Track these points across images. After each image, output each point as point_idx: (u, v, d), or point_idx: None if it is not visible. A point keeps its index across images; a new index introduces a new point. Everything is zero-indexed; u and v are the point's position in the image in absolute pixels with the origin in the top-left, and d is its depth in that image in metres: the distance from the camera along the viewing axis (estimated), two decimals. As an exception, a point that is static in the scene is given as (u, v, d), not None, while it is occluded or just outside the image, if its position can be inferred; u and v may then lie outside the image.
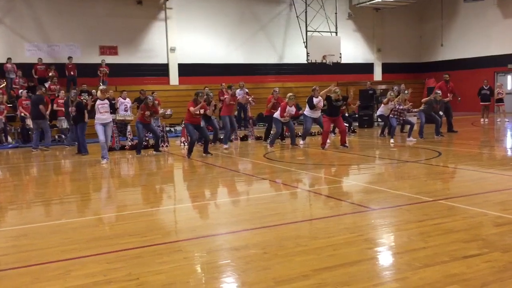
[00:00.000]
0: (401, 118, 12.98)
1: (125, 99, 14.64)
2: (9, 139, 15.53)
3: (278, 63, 23.70)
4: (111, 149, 12.43)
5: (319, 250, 4.27)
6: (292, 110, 12.46)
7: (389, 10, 25.99)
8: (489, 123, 18.57)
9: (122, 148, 13.26)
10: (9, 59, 17.64)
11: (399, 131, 15.06)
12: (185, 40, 21.38)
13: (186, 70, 21.42)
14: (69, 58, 18.75)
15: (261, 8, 23.11)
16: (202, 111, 11.08)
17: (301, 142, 12.92)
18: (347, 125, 14.35)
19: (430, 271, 3.69)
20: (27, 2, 18.78)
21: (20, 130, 15.91)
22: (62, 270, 3.99)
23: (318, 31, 22.28)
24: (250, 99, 15.38)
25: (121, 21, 20.18)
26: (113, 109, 11.98)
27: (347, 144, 11.96)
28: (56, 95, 16.14)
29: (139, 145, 12.17)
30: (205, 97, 11.65)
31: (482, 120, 18.74)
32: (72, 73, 18.61)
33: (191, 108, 10.93)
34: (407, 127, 13.74)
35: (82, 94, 15.12)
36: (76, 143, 13.01)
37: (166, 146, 13.58)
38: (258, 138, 14.85)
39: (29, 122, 14.87)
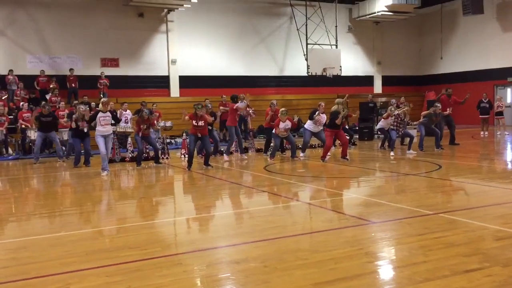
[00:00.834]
0: (400, 130, 12.99)
1: (125, 111, 14.68)
2: (10, 150, 15.53)
3: (279, 76, 23.79)
4: (111, 160, 12.43)
5: (319, 263, 4.26)
6: (287, 125, 12.44)
7: (389, 23, 26.12)
8: (489, 136, 18.60)
9: (123, 160, 13.25)
10: (10, 71, 17.70)
11: (399, 143, 15.08)
12: (186, 53, 21.50)
13: (187, 82, 21.51)
14: (71, 70, 18.83)
15: (261, 21, 23.27)
16: (201, 122, 11.03)
17: (301, 154, 12.92)
18: (348, 137, 14.36)
19: (431, 285, 3.68)
20: (29, 14, 18.92)
21: (20, 141, 15.91)
22: (62, 283, 3.98)
23: (319, 44, 22.42)
24: (250, 111, 15.42)
25: (122, 33, 20.32)
26: (117, 121, 11.95)
27: (347, 157, 11.97)
28: (57, 106, 16.16)
29: (139, 156, 12.18)
30: (206, 108, 11.67)
31: (482, 133, 18.77)
32: (73, 85, 18.66)
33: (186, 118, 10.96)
34: (407, 139, 13.76)
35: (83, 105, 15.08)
36: (73, 155, 13.01)
37: (167, 158, 13.59)
38: (258, 150, 14.87)
39: (30, 133, 14.86)
